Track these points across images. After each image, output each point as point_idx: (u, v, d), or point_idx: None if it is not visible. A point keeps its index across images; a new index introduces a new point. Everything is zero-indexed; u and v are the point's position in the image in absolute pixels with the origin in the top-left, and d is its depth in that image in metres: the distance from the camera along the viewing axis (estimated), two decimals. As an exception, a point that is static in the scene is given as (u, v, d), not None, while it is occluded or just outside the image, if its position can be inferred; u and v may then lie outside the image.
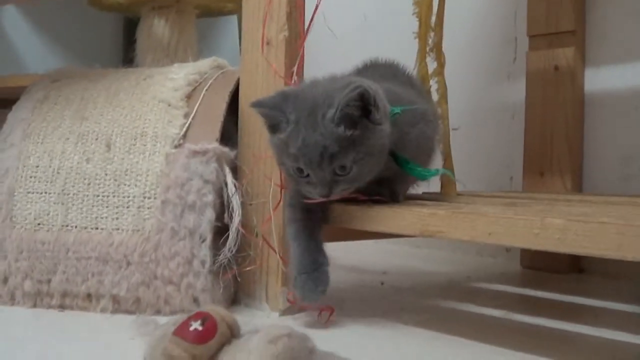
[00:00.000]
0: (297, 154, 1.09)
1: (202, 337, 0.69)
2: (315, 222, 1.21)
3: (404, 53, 1.48)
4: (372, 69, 1.42)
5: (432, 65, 1.53)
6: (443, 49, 1.53)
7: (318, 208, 1.20)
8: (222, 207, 1.27)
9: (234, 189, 1.27)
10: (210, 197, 1.24)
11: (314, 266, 1.16)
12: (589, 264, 1.76)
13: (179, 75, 1.41)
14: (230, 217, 1.26)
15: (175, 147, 1.30)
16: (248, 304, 1.30)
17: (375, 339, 1.13)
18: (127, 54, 2.89)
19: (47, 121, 1.39)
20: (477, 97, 2.04)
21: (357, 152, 1.09)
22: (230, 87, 1.38)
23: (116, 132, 1.34)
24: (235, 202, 1.26)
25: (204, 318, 0.70)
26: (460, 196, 1.49)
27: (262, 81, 1.29)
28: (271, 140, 1.16)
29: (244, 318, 1.13)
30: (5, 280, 1.30)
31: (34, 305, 1.29)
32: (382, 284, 1.57)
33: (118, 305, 1.26)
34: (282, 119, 1.11)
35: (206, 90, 1.38)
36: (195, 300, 1.23)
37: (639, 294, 1.54)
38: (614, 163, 1.75)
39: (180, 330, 0.69)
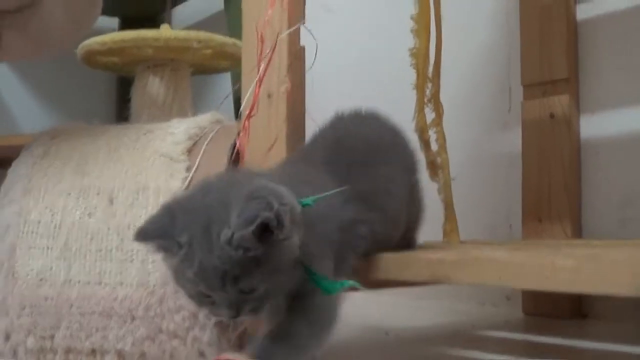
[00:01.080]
0: (195, 279, 0.94)
1: (222, 385, 0.68)
2: None
3: (400, 105, 1.50)
4: (332, 130, 1.27)
5: (430, 116, 1.55)
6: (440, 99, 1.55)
7: None
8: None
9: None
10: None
11: None
12: (591, 308, 1.76)
13: (179, 129, 1.41)
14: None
15: (179, 200, 1.30)
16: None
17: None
18: (120, 113, 2.91)
19: (47, 177, 1.39)
20: (473, 147, 2.05)
21: (263, 273, 0.93)
22: (231, 140, 1.38)
23: (118, 186, 1.33)
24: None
25: (225, 364, 0.70)
26: (464, 244, 1.49)
27: (264, 135, 1.30)
28: (164, 261, 1.01)
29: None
30: (8, 337, 1.29)
31: (37, 363, 1.28)
32: (387, 334, 1.56)
33: (123, 361, 1.24)
34: (171, 245, 0.96)
35: (207, 144, 1.39)
36: (202, 354, 1.22)
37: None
38: (612, 208, 1.76)
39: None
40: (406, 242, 1.29)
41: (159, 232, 0.97)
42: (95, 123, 1.64)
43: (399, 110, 1.45)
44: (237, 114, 2.66)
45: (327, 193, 1.03)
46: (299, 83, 1.32)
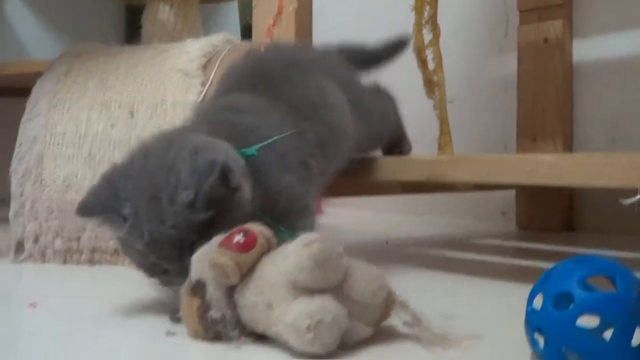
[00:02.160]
0: (145, 250, 0.89)
1: (244, 247, 0.78)
2: None
3: (400, 25, 1.58)
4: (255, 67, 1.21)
5: (427, 37, 1.63)
6: (438, 22, 1.63)
7: None
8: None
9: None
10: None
11: None
12: (580, 222, 1.87)
13: (193, 47, 1.50)
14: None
15: (195, 112, 1.39)
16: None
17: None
18: (128, 41, 2.98)
19: (71, 92, 1.48)
20: (471, 71, 2.14)
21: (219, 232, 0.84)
22: (242, 57, 1.47)
23: (138, 100, 1.43)
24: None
25: (245, 232, 0.80)
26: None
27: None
28: (110, 233, 0.96)
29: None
30: (37, 239, 1.39)
31: (64, 262, 1.39)
32: (387, 242, 1.66)
33: (144, 259, 1.34)
34: (115, 219, 0.90)
35: (220, 60, 1.48)
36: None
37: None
38: (602, 128, 1.85)
39: (225, 243, 0.79)
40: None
41: (101, 206, 0.91)
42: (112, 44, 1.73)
43: (399, 31, 1.54)
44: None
45: (268, 141, 0.98)
46: (306, 4, 1.41)
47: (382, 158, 1.27)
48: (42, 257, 1.40)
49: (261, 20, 1.43)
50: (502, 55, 2.08)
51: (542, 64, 1.90)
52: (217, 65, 1.47)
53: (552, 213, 1.88)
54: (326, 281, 0.76)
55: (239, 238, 0.79)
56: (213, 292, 0.80)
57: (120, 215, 0.89)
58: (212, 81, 1.44)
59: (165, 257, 0.88)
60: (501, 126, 2.04)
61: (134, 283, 1.04)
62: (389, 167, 1.25)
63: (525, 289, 1.09)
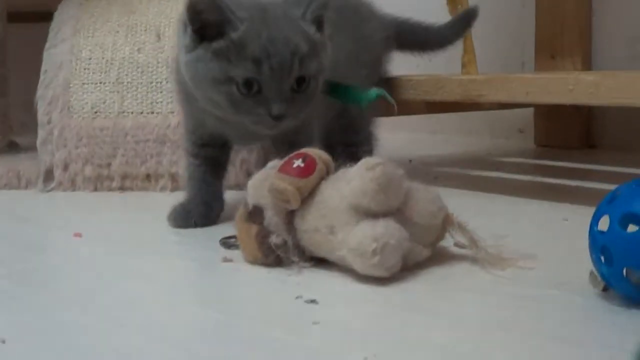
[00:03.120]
0: (259, 55, 0.91)
1: (304, 172, 0.79)
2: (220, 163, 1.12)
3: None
4: None
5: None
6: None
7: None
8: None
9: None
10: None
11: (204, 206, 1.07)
12: (600, 139, 1.87)
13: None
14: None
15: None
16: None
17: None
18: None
19: (95, 16, 1.47)
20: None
21: (318, 63, 0.97)
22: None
23: (164, 23, 1.42)
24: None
25: (304, 157, 0.80)
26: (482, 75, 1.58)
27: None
28: (194, 53, 0.95)
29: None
30: (66, 167, 1.39)
31: (95, 189, 1.39)
32: (410, 161, 1.67)
33: (176, 183, 1.35)
34: (229, 15, 0.93)
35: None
36: (249, 175, 1.32)
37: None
38: (621, 44, 1.84)
39: (284, 168, 0.79)
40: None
41: (218, 7, 0.92)
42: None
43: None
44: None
45: None
46: None
47: (415, 76, 1.27)
48: (72, 185, 1.40)
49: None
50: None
51: (561, -21, 1.88)
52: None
53: (570, 130, 1.88)
54: (389, 204, 0.77)
55: (298, 163, 0.80)
56: (272, 218, 0.81)
57: (235, 15, 0.92)
58: None
59: (279, 65, 0.92)
60: (520, 41, 2.03)
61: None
62: (423, 86, 1.25)
63: (558, 208, 1.12)
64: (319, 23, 0.98)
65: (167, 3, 1.45)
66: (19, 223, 1.17)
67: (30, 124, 1.49)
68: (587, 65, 1.86)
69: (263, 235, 0.82)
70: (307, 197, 0.80)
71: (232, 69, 0.92)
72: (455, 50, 1.56)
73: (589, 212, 0.70)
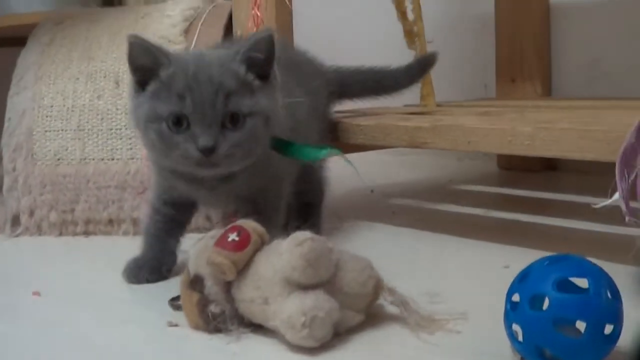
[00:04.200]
0: (183, 91, 0.95)
1: (239, 246, 0.82)
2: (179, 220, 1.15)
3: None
4: None
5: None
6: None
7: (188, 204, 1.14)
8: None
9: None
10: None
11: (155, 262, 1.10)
12: (562, 162, 1.91)
13: (174, 12, 1.51)
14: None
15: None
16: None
17: (370, 240, 1.28)
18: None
19: (56, 63, 1.50)
20: (448, 10, 2.15)
21: (254, 103, 0.98)
22: (224, 20, 1.49)
23: (123, 69, 1.44)
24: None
25: (239, 230, 0.84)
26: (440, 107, 1.62)
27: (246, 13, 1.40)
28: (136, 99, 1.01)
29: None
30: (32, 213, 1.42)
31: (60, 234, 1.42)
32: (372, 191, 1.71)
33: (138, 227, 1.38)
34: (161, 57, 0.98)
35: (201, 24, 1.49)
36: (209, 219, 1.36)
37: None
38: (580, 68, 1.89)
39: (220, 242, 0.83)
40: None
41: (150, 46, 0.99)
42: (92, 6, 1.74)
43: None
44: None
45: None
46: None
47: (363, 122, 1.30)
48: (39, 230, 1.43)
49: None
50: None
51: (520, 5, 1.91)
52: (198, 29, 1.48)
53: (532, 152, 1.92)
54: (318, 277, 0.81)
55: (233, 237, 0.83)
56: (212, 287, 0.85)
57: (168, 59, 0.98)
58: (194, 47, 1.45)
59: (200, 100, 0.95)
60: (480, 65, 2.07)
61: (131, 254, 1.11)
62: (372, 132, 1.28)
63: (504, 251, 1.15)
64: (255, 66, 0.99)
65: (124, 49, 1.46)
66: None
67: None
68: (547, 88, 1.90)
69: (203, 304, 0.85)
70: (243, 268, 0.84)
71: (159, 105, 0.97)
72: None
73: (532, 257, 0.74)
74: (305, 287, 0.80)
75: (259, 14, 1.35)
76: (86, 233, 1.42)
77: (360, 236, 1.30)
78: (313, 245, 0.80)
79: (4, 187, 1.44)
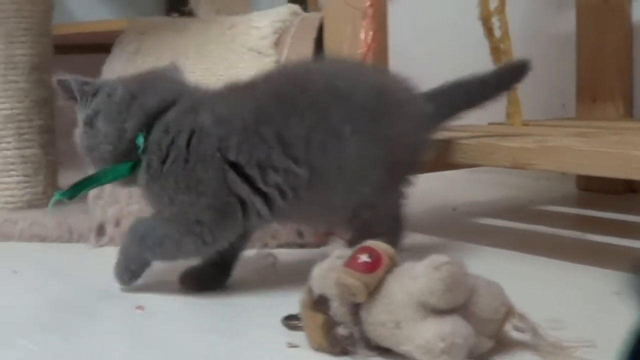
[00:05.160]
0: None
1: (371, 268, 0.80)
2: None
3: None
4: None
5: (494, 3, 1.62)
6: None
7: None
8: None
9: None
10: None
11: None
12: (642, 184, 1.88)
13: (263, 23, 1.50)
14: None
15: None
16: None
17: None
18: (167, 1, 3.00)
19: (142, 72, 1.49)
20: (528, 28, 2.12)
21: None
22: (313, 34, 1.47)
23: (211, 80, 1.43)
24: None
25: (371, 252, 0.82)
26: (527, 126, 1.59)
27: (348, 29, 1.38)
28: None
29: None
30: (118, 222, 1.41)
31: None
32: (454, 210, 1.68)
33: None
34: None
35: (291, 37, 1.47)
36: (300, 234, 1.34)
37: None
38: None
39: (351, 264, 0.81)
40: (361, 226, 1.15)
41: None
42: (174, 16, 1.74)
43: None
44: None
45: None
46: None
47: (463, 140, 1.28)
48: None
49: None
50: (561, 12, 2.06)
51: (601, 24, 1.88)
52: (288, 42, 1.46)
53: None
54: (455, 302, 0.78)
55: (365, 258, 0.81)
56: (338, 308, 0.83)
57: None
58: (285, 60, 1.44)
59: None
60: (559, 84, 2.04)
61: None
62: (472, 151, 1.26)
63: (606, 276, 1.12)
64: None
65: (213, 60, 1.46)
66: (72, 283, 1.20)
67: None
68: (629, 108, 1.87)
69: (329, 326, 0.83)
70: (374, 290, 0.81)
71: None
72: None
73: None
74: (441, 312, 0.78)
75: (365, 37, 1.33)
76: None
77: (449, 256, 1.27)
78: (451, 269, 0.78)
79: (90, 196, 1.43)
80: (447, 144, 1.30)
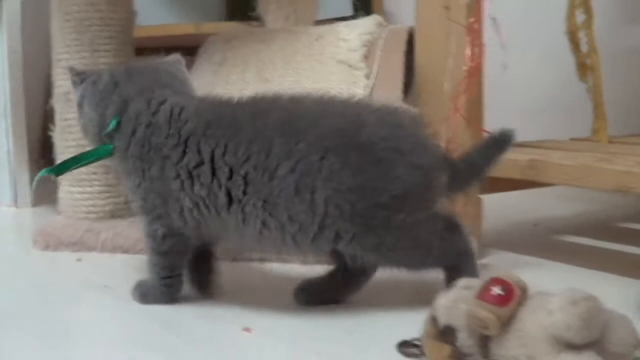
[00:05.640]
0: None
1: (504, 301, 0.79)
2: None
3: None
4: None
5: (581, 18, 1.60)
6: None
7: None
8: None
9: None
10: (401, 155, 1.33)
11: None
12: None
13: (351, 36, 1.49)
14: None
15: (362, 107, 1.38)
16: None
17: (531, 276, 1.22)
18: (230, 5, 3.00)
19: (230, 84, 1.48)
20: (611, 43, 2.09)
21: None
22: (403, 47, 1.46)
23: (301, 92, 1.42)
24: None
25: (504, 284, 0.80)
26: (614, 144, 1.57)
27: (443, 44, 1.37)
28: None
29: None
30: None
31: (234, 260, 1.37)
32: (535, 225, 1.66)
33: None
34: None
35: (381, 50, 1.46)
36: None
37: None
38: None
39: (484, 296, 0.80)
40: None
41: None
42: (254, 25, 1.74)
43: (551, 12, 1.51)
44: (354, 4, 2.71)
45: None
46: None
47: (565, 162, 1.26)
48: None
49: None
50: (637, 26, 2.03)
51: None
52: (378, 55, 1.45)
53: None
54: (591, 337, 0.77)
55: (498, 291, 0.80)
56: (466, 339, 0.82)
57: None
58: (376, 73, 1.42)
59: None
60: (636, 99, 2.01)
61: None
62: (572, 172, 1.24)
63: None
64: None
65: (302, 72, 1.46)
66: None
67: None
68: None
69: (456, 357, 0.83)
70: (506, 323, 0.80)
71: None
72: (579, 112, 1.56)
73: None
74: (576, 347, 0.77)
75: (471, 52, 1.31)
76: (261, 260, 1.37)
77: (538, 275, 1.24)
78: (589, 305, 0.76)
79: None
80: (544, 163, 1.28)
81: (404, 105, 1.30)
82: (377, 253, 1.06)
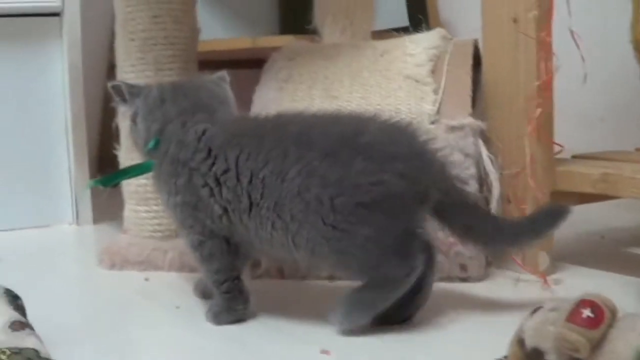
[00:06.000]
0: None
1: (594, 324, 0.79)
2: None
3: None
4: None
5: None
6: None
7: None
8: (479, 180, 1.35)
9: (490, 161, 1.35)
10: (472, 170, 1.33)
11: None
12: None
13: (417, 50, 1.48)
14: (489, 189, 1.34)
15: (432, 123, 1.38)
16: (500, 266, 1.40)
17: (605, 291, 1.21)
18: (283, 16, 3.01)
19: (296, 101, 1.48)
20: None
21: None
22: (469, 61, 1.45)
23: (369, 110, 1.42)
24: (493, 173, 1.34)
25: (593, 306, 0.80)
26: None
27: (512, 58, 1.36)
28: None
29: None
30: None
31: (303, 278, 1.39)
32: (603, 237, 1.64)
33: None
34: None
35: (447, 65, 1.46)
36: (463, 268, 1.33)
37: None
38: None
39: (574, 318, 0.79)
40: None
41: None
42: (316, 40, 1.74)
43: (614, 21, 1.49)
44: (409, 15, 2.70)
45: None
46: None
47: (634, 175, 1.25)
48: (279, 274, 1.41)
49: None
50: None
51: None
52: (445, 70, 1.45)
53: None
54: (685, 359, 0.76)
55: (587, 313, 0.80)
56: (554, 363, 0.82)
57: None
58: (444, 88, 1.42)
59: None
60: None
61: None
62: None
63: None
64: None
65: (369, 88, 1.45)
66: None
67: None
68: None
69: (544, 380, 0.82)
70: (596, 346, 0.80)
71: None
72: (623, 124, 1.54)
73: None
74: (668, 370, 0.76)
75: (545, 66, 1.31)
76: (330, 279, 1.35)
77: (608, 289, 1.23)
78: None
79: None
80: (616, 177, 1.27)
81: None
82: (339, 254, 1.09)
